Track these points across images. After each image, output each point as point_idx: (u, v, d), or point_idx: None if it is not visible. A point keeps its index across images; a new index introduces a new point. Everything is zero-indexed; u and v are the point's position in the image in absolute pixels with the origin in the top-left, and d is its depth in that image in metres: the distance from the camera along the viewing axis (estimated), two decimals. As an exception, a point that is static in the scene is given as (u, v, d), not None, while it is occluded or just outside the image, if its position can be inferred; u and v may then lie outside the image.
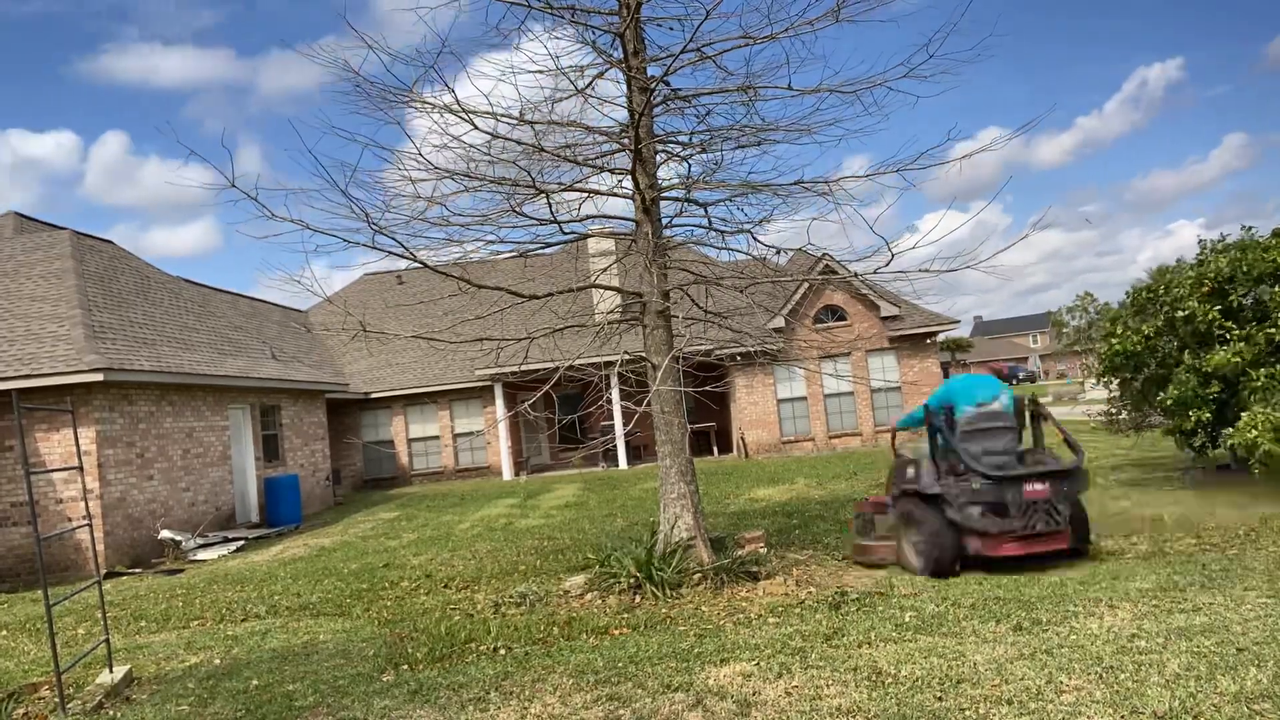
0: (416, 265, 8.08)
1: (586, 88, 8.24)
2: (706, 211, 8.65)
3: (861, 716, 4.14)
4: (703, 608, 6.91)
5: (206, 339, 17.68)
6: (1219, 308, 10.85)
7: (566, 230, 8.43)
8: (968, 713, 4.04)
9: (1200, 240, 12.28)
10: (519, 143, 7.97)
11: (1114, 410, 13.27)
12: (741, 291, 9.10)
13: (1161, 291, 11.85)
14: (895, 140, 54.15)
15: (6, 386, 12.12)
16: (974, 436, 7.97)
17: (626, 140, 7.96)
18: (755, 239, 8.55)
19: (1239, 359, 10.21)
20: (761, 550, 8.39)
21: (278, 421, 19.02)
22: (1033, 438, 8.51)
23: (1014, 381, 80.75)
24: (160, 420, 14.65)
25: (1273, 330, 10.20)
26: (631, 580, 7.47)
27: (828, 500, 13.57)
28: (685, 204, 8.76)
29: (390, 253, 7.61)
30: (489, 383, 23.73)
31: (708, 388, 11.92)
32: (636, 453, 24.10)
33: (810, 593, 7.12)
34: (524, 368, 10.01)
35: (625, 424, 20.94)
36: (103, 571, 11.83)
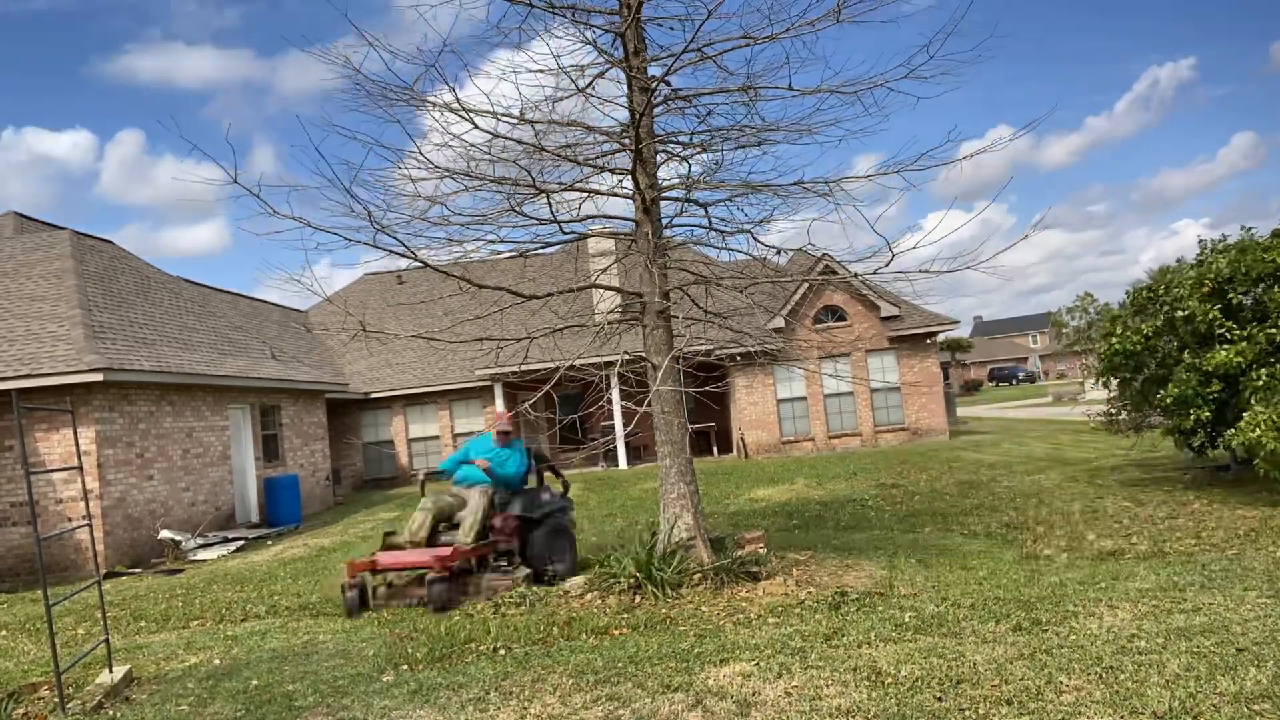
0: (417, 265, 8.08)
1: (587, 87, 8.24)
2: (706, 211, 8.65)
3: (861, 716, 4.14)
4: (703, 608, 6.91)
5: (206, 339, 17.68)
6: (1219, 307, 10.86)
7: (566, 230, 8.43)
8: (967, 713, 4.04)
9: (1201, 240, 12.30)
10: (519, 142, 7.97)
11: (1113, 410, 13.28)
12: (741, 291, 9.09)
13: (1161, 291, 11.86)
14: (906, 139, 54.14)
15: (6, 386, 12.12)
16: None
17: (627, 140, 7.96)
18: (755, 239, 8.55)
19: (1241, 358, 10.21)
20: (761, 550, 8.38)
21: (278, 421, 19.02)
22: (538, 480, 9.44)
23: (1014, 382, 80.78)
24: (160, 420, 14.65)
25: (1273, 330, 10.21)
26: (631, 580, 7.47)
27: (828, 500, 13.58)
28: (685, 204, 8.76)
29: (391, 252, 7.61)
30: (489, 383, 23.73)
31: (708, 388, 11.92)
32: (636, 453, 24.09)
33: (810, 593, 7.12)
34: (524, 368, 10.00)
35: (625, 424, 20.94)
36: (102, 571, 11.83)
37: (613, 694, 4.80)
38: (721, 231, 8.67)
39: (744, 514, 12.75)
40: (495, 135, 7.93)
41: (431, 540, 8.45)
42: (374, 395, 25.01)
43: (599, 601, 7.42)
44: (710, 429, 24.31)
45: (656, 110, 8.31)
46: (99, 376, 12.64)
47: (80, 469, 5.93)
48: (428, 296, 22.30)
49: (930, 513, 11.80)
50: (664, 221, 8.56)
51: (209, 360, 16.52)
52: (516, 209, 7.95)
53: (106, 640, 6.13)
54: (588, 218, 8.61)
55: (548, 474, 9.80)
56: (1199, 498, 10.83)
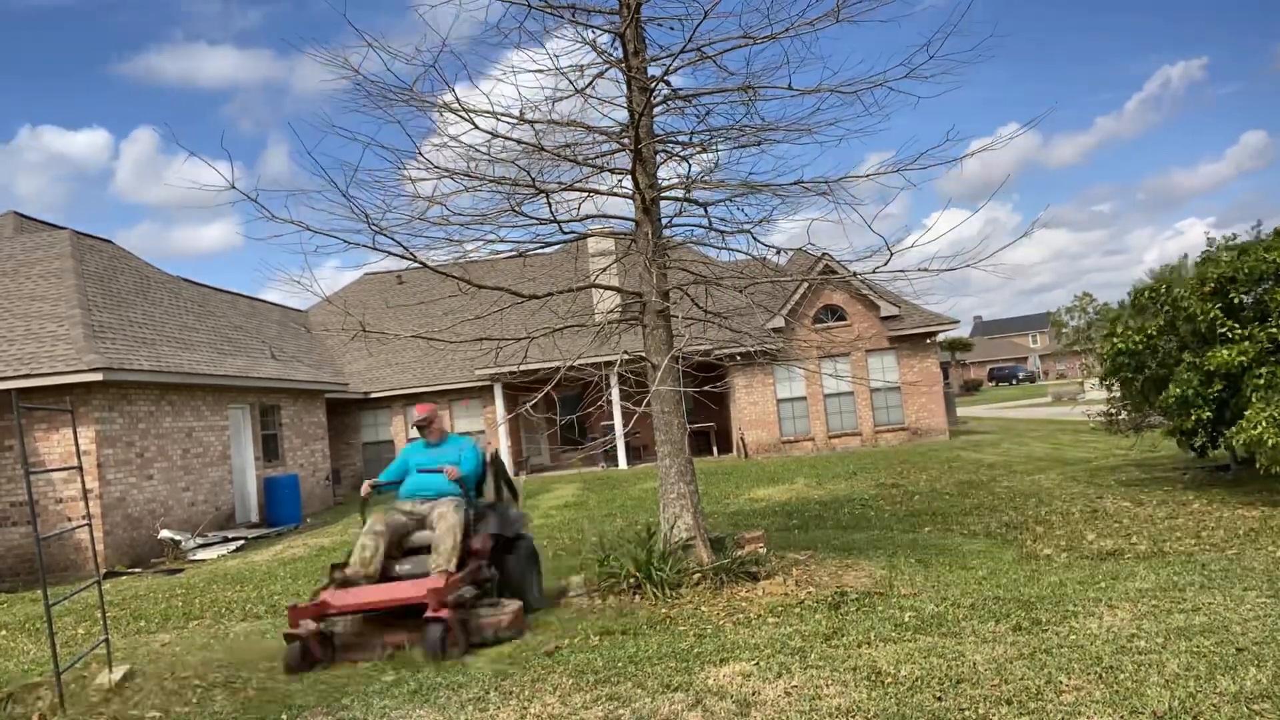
0: (417, 265, 8.08)
1: (587, 87, 8.24)
2: (706, 211, 8.64)
3: (861, 716, 4.13)
4: (702, 608, 6.90)
5: (206, 339, 17.68)
6: (1220, 306, 10.87)
7: (566, 230, 8.42)
8: (967, 713, 4.03)
9: (1208, 238, 12.31)
10: (519, 142, 7.96)
11: (1114, 411, 13.28)
12: (741, 291, 9.09)
13: (1163, 291, 11.87)
14: (912, 136, 53.66)
15: (6, 386, 12.12)
16: None
17: (626, 140, 7.95)
18: (755, 239, 8.55)
19: (1243, 357, 10.22)
20: (761, 550, 8.38)
21: (277, 421, 19.02)
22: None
23: (1014, 382, 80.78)
24: (160, 420, 14.65)
25: (1274, 329, 10.22)
26: (631, 580, 7.47)
27: (827, 500, 13.58)
28: (685, 204, 8.75)
29: (390, 253, 7.62)
30: (489, 383, 23.72)
31: (707, 388, 11.92)
32: (636, 453, 24.09)
33: (810, 593, 7.12)
34: (524, 368, 10.00)
35: (625, 424, 20.93)
36: (102, 571, 11.82)
37: (613, 694, 4.79)
38: (721, 231, 8.67)
39: (744, 514, 12.75)
40: (494, 135, 7.92)
41: (385, 572, 6.83)
42: (374, 395, 25.00)
43: (599, 601, 7.43)
44: (710, 429, 24.31)
45: (656, 110, 8.31)
46: (99, 376, 12.64)
47: (80, 469, 5.93)
48: (428, 296, 22.29)
49: (930, 512, 11.79)
50: (664, 221, 8.55)
51: (209, 360, 16.52)
52: (516, 209, 7.95)
53: (106, 640, 6.13)
54: (587, 217, 8.61)
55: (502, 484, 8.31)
56: (1199, 498, 10.83)
